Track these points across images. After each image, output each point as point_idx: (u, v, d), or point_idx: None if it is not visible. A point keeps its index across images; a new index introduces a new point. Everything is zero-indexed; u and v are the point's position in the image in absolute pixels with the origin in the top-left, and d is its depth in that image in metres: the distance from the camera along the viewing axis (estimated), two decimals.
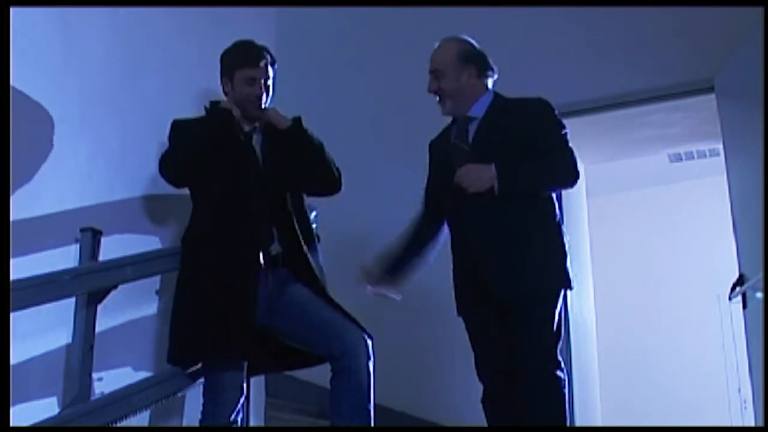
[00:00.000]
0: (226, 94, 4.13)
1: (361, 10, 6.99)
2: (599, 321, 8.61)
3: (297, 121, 4.05)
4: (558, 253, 4.00)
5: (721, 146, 6.06)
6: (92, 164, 4.53)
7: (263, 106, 4.08)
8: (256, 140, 4.10)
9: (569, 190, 6.99)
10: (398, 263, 4.33)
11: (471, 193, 3.85)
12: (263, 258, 3.84)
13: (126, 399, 4.01)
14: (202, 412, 3.88)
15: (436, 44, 4.19)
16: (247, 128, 4.10)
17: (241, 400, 3.85)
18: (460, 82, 4.09)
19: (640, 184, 10.16)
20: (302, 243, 3.97)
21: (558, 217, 4.07)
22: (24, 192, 4.15)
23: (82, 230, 4.13)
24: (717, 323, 9.61)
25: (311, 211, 4.43)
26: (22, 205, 4.13)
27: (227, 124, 4.00)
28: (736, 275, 5.31)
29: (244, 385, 3.93)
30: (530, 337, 3.85)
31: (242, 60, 4.06)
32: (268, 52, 4.15)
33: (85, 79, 4.59)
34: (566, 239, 4.08)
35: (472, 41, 4.20)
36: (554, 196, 4.12)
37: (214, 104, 4.07)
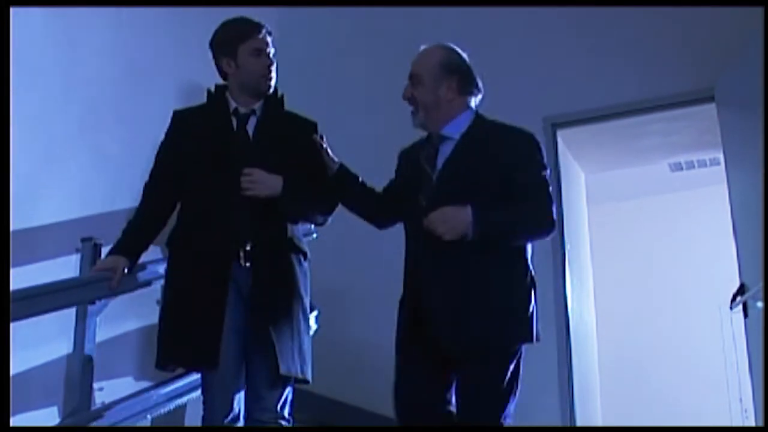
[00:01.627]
0: (226, 76, 3.80)
1: (362, 12, 7.01)
2: (599, 330, 8.60)
3: (285, 187, 3.60)
4: (521, 300, 3.42)
5: (721, 155, 6.06)
6: (93, 175, 4.55)
7: (273, 80, 3.77)
8: (251, 123, 3.75)
9: (571, 199, 7.06)
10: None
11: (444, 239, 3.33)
12: (243, 255, 3.56)
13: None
14: (203, 416, 3.78)
15: (421, 49, 3.73)
16: (243, 110, 3.75)
17: (238, 399, 3.63)
18: (437, 95, 3.57)
19: (640, 193, 10.16)
20: (275, 248, 3.63)
21: (527, 259, 3.52)
22: (25, 202, 4.16)
23: (82, 240, 4.14)
24: (718, 332, 9.59)
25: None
26: (23, 216, 4.14)
27: (221, 110, 3.75)
28: (737, 284, 5.31)
29: (241, 384, 3.65)
30: (472, 395, 3.39)
31: (244, 33, 3.73)
32: (264, 24, 3.82)
33: (86, 91, 4.61)
34: (535, 287, 3.50)
35: (461, 53, 3.70)
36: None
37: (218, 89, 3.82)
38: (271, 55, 3.76)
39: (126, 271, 3.68)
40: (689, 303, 9.95)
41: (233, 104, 3.76)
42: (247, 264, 3.55)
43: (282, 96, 3.87)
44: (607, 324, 9.09)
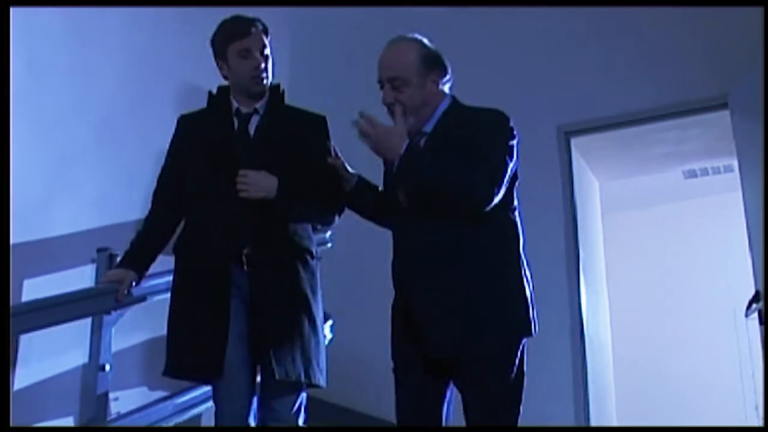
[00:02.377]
0: (226, 79, 3.69)
1: (374, 15, 7.02)
2: (614, 338, 8.58)
3: (280, 189, 3.47)
4: (513, 294, 3.21)
5: (735, 162, 6.05)
6: (108, 186, 4.56)
7: (265, 80, 3.62)
8: (253, 123, 3.63)
9: (585, 207, 7.04)
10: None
11: (406, 220, 3.22)
12: (244, 257, 3.46)
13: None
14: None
15: (387, 47, 3.37)
16: (245, 110, 3.64)
17: (249, 408, 3.52)
18: (426, 92, 3.29)
19: (655, 201, 10.14)
20: (276, 250, 3.51)
21: (515, 252, 3.28)
22: (40, 212, 4.18)
23: (98, 250, 4.15)
24: (733, 339, 9.57)
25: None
26: (38, 226, 4.16)
27: (222, 111, 3.66)
28: (752, 291, 5.29)
29: (251, 392, 3.55)
30: (477, 403, 3.19)
31: (231, 34, 3.59)
32: (259, 21, 3.66)
33: (100, 103, 4.63)
34: (527, 275, 3.29)
35: (426, 40, 3.41)
36: (518, 226, 3.34)
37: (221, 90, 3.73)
38: (260, 55, 3.60)
39: (134, 284, 3.66)
40: (704, 310, 9.91)
41: (235, 104, 3.66)
42: (249, 270, 3.46)
43: (283, 91, 3.74)
44: (622, 332, 9.07)
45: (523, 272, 3.26)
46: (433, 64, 3.33)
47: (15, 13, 4.11)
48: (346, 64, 7.10)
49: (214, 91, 3.71)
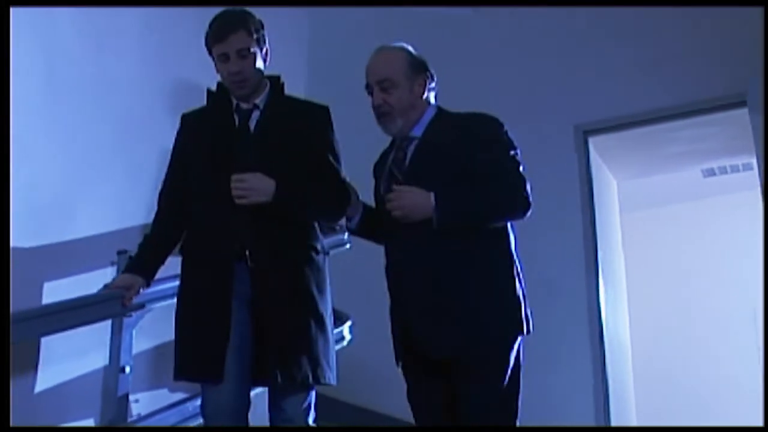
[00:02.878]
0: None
1: (388, 17, 7.03)
2: (634, 337, 8.55)
3: (278, 190, 3.38)
4: (505, 293, 3.23)
5: (754, 160, 6.03)
6: (127, 189, 4.58)
7: (245, 82, 3.49)
8: (253, 119, 3.54)
9: (603, 206, 7.03)
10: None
11: (403, 222, 3.25)
12: (246, 256, 3.37)
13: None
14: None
15: (375, 53, 3.49)
16: (245, 106, 3.54)
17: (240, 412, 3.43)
18: (414, 95, 3.38)
19: (673, 200, 10.10)
20: (278, 247, 3.43)
21: (505, 250, 3.31)
22: (61, 217, 4.20)
23: (118, 253, 4.17)
24: (752, 338, 9.53)
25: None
26: (59, 230, 4.18)
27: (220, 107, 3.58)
28: None
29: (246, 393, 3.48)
30: (474, 402, 3.16)
31: (211, 37, 3.48)
32: (245, 18, 3.50)
33: (119, 105, 4.65)
34: (519, 275, 3.30)
35: (410, 47, 3.51)
36: (509, 226, 3.37)
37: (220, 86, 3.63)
38: (240, 57, 3.44)
39: (141, 290, 3.59)
40: (723, 309, 9.87)
41: (235, 101, 3.56)
42: (249, 265, 3.37)
43: (283, 84, 3.64)
44: (642, 332, 9.04)
45: (515, 270, 3.28)
46: (420, 68, 3.42)
47: (32, 20, 4.15)
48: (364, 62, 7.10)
49: (212, 87, 3.63)
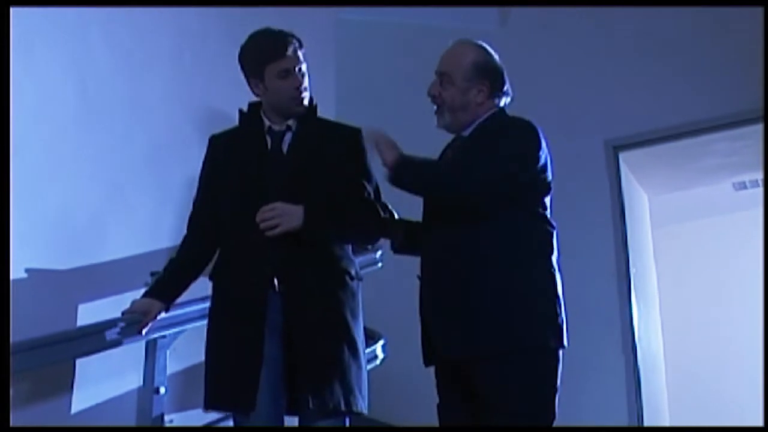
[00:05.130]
0: (257, 96, 3.53)
1: (421, 35, 7.04)
2: (667, 351, 8.52)
3: (307, 217, 3.31)
4: (520, 301, 3.08)
5: None
6: (160, 210, 4.61)
7: (305, 99, 3.47)
8: (286, 141, 3.48)
9: (635, 221, 7.00)
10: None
11: (429, 228, 3.25)
12: (277, 283, 3.30)
13: None
14: None
15: (452, 44, 3.43)
16: (277, 128, 3.49)
17: None
18: (467, 97, 3.29)
19: (704, 214, 10.06)
20: (311, 273, 3.34)
21: (547, 256, 3.20)
22: (94, 239, 4.23)
23: (151, 274, 4.18)
24: None
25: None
26: (92, 252, 4.21)
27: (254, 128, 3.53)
28: None
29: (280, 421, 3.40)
30: (491, 410, 3.05)
31: (269, 53, 3.43)
32: (293, 36, 3.49)
33: (151, 128, 4.68)
34: (556, 285, 3.18)
35: (494, 53, 3.41)
36: (547, 232, 3.23)
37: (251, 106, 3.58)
38: (299, 73, 3.45)
39: (158, 316, 3.51)
40: (757, 322, 9.80)
41: (267, 122, 3.50)
42: (282, 291, 3.29)
43: (315, 105, 3.56)
44: (676, 347, 8.99)
45: (538, 285, 3.14)
46: (486, 73, 3.32)
47: (65, 40, 4.19)
48: (392, 81, 7.13)
49: (244, 108, 3.58)
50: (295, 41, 3.46)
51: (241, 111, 3.57)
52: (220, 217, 3.47)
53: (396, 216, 3.51)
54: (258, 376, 3.23)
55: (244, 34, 3.47)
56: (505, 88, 3.36)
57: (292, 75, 3.43)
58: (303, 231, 3.28)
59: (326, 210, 3.37)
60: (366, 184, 3.50)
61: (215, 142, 3.62)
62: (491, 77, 3.32)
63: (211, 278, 3.47)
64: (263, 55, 3.43)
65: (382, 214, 3.48)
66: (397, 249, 3.54)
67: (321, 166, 3.43)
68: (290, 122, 3.50)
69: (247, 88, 3.48)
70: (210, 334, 3.43)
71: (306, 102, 3.49)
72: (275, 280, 3.30)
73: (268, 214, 3.25)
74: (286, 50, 3.42)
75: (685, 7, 6.22)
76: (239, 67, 3.49)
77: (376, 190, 3.54)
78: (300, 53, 3.46)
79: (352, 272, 3.45)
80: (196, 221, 3.59)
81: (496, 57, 3.38)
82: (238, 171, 3.46)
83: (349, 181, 3.47)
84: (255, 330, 3.27)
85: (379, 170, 3.42)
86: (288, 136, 3.48)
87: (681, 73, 6.30)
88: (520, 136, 3.21)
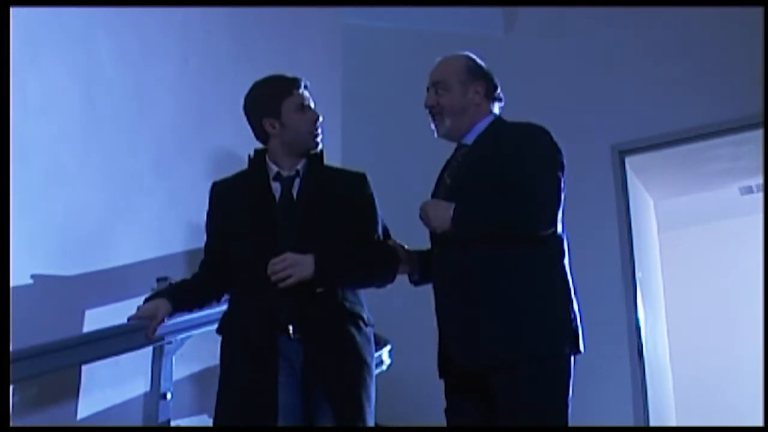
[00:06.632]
0: (266, 139, 3.51)
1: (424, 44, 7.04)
2: (673, 356, 8.51)
3: (318, 265, 3.28)
4: (548, 305, 3.13)
5: None
6: (166, 215, 4.61)
7: (320, 135, 3.48)
8: (295, 186, 3.47)
9: (641, 226, 7.00)
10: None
11: (437, 233, 3.22)
12: (291, 329, 3.28)
13: None
14: None
15: (438, 60, 3.49)
16: (286, 173, 3.47)
17: None
18: (466, 99, 3.36)
19: (710, 218, 10.06)
20: (325, 319, 3.32)
21: (561, 262, 3.23)
22: (100, 244, 4.23)
23: (158, 280, 4.19)
24: None
25: None
26: (98, 257, 4.21)
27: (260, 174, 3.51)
28: None
29: None
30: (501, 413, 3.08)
31: (285, 88, 3.47)
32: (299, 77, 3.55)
33: (157, 133, 4.68)
34: (570, 291, 3.21)
35: (476, 57, 3.48)
36: (562, 243, 3.26)
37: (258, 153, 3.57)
38: (314, 108, 3.49)
39: (166, 319, 3.46)
40: (762, 326, 9.80)
41: (274, 168, 3.48)
42: (297, 337, 3.28)
43: (322, 151, 3.55)
44: (682, 351, 8.99)
45: (563, 284, 3.19)
46: (479, 75, 3.41)
47: (71, 48, 4.20)
48: (400, 83, 7.13)
49: (252, 154, 3.56)
50: (303, 80, 3.51)
51: (250, 157, 3.55)
52: (231, 262, 3.45)
53: (406, 250, 3.50)
54: (275, 422, 3.20)
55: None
56: (498, 93, 3.44)
57: (309, 109, 3.46)
58: (315, 279, 3.26)
59: (337, 256, 3.35)
60: (375, 226, 3.50)
61: (219, 189, 3.60)
62: (485, 78, 3.41)
63: (218, 332, 3.45)
64: (280, 91, 3.46)
65: (393, 253, 3.48)
66: (417, 281, 3.54)
67: (331, 212, 3.42)
68: (299, 167, 3.48)
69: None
70: (222, 384, 3.37)
71: (320, 139, 3.50)
72: (290, 328, 3.28)
73: (279, 266, 3.23)
74: (299, 86, 3.48)
75: (692, 13, 6.22)
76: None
77: (385, 231, 3.55)
78: (308, 93, 3.51)
79: (366, 317, 3.43)
80: (210, 261, 3.57)
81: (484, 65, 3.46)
82: (249, 219, 3.44)
83: (359, 224, 3.46)
84: (269, 376, 3.23)
85: (387, 213, 3.51)
86: (297, 182, 3.47)
87: (687, 77, 6.31)
88: (548, 149, 3.26)
